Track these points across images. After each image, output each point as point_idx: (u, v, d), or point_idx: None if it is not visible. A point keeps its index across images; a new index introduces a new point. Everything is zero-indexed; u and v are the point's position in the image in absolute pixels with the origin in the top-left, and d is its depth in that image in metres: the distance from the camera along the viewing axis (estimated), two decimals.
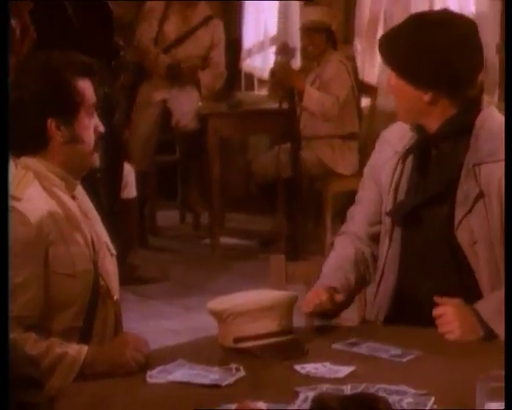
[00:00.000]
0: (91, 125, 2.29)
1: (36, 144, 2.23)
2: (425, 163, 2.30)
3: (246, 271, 5.37)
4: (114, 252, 2.39)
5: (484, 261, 2.25)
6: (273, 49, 6.82)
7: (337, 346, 2.16)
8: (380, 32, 6.44)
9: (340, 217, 6.26)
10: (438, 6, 6.14)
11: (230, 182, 6.72)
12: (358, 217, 2.47)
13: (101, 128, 2.33)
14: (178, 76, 6.12)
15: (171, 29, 6.21)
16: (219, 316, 2.12)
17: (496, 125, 2.23)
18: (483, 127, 2.23)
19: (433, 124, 2.26)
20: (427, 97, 2.20)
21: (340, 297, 2.29)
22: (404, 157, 2.33)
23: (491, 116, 2.26)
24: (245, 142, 6.78)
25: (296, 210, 5.64)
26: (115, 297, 2.30)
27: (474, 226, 2.24)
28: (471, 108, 2.24)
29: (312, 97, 5.56)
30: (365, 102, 6.17)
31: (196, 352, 2.13)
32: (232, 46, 7.03)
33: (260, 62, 7.28)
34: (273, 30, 7.13)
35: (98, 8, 4.32)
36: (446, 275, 2.31)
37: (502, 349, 1.74)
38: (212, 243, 5.84)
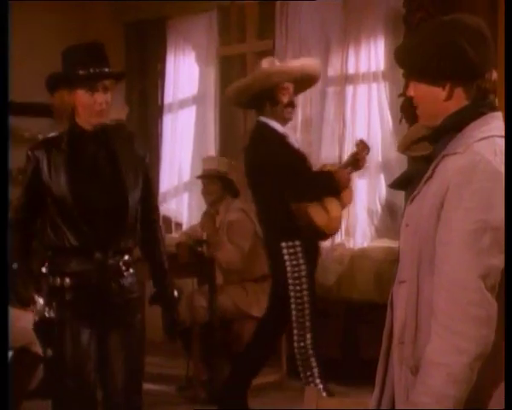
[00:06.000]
0: None
1: None
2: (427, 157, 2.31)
3: None
4: None
5: (406, 248, 2.23)
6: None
7: None
8: None
9: None
10: (346, 151, 6.37)
11: (146, 326, 6.67)
12: None
13: None
14: None
15: None
16: None
17: (480, 130, 2.21)
18: (472, 127, 2.22)
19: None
20: (444, 92, 2.23)
21: None
22: None
23: (488, 124, 2.23)
24: None
25: (213, 355, 5.63)
26: None
27: (413, 209, 2.23)
28: (479, 104, 2.24)
29: (218, 247, 5.69)
30: None
31: None
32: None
33: (175, 205, 7.40)
34: (187, 175, 7.31)
35: None
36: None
37: None
38: None
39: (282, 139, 4.91)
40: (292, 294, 4.84)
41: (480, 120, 2.22)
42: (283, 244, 4.83)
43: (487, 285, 2.05)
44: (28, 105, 7.41)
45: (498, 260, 2.07)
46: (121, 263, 3.45)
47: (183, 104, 7.44)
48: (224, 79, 7.25)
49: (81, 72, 3.38)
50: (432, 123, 2.29)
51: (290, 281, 4.83)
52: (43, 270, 3.49)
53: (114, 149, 3.49)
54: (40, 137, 8.11)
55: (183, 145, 7.38)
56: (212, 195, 5.90)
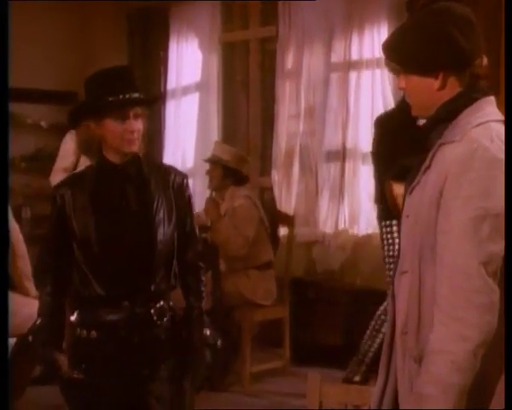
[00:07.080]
0: None
1: None
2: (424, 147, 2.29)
3: None
4: None
5: (407, 239, 2.23)
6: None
7: None
8: (296, 165, 6.61)
9: (261, 347, 6.27)
10: (350, 138, 6.36)
11: None
12: None
13: None
14: None
15: None
16: None
17: (475, 117, 2.19)
18: (467, 114, 2.20)
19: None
20: (437, 82, 2.21)
21: None
22: None
23: (482, 109, 2.21)
24: None
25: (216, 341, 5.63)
26: None
27: (413, 199, 2.23)
28: (473, 90, 2.22)
29: (221, 233, 5.69)
30: (283, 230, 6.28)
31: None
32: None
33: None
34: (191, 161, 7.31)
35: None
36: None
37: None
38: None
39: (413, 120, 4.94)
40: (386, 271, 5.06)
41: (475, 106, 2.21)
42: (382, 223, 5.07)
43: (489, 272, 2.05)
44: (30, 91, 7.40)
45: (499, 247, 2.07)
46: (153, 311, 3.10)
47: (186, 91, 7.43)
48: (227, 65, 7.25)
49: (110, 99, 3.02)
50: (425, 113, 2.28)
51: (386, 259, 5.08)
52: (72, 319, 3.15)
53: (145, 181, 3.12)
54: (43, 123, 8.16)
55: (187, 132, 7.38)
56: (212, 180, 5.92)
